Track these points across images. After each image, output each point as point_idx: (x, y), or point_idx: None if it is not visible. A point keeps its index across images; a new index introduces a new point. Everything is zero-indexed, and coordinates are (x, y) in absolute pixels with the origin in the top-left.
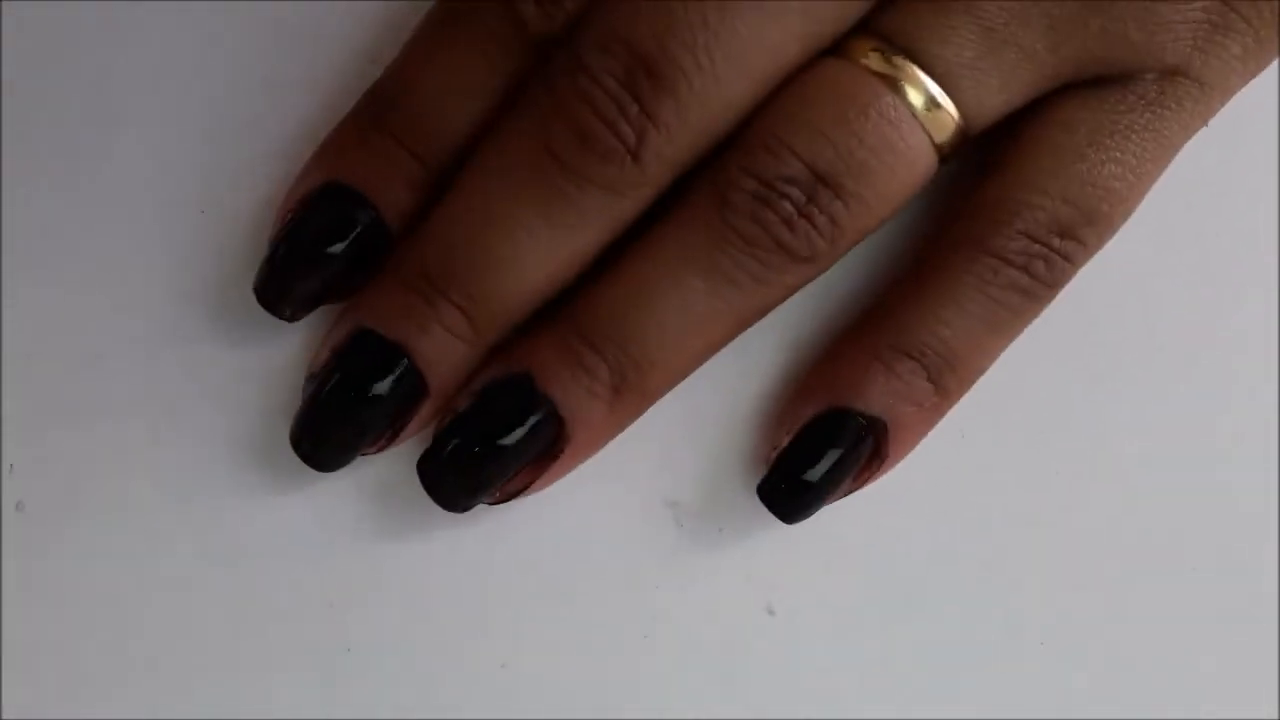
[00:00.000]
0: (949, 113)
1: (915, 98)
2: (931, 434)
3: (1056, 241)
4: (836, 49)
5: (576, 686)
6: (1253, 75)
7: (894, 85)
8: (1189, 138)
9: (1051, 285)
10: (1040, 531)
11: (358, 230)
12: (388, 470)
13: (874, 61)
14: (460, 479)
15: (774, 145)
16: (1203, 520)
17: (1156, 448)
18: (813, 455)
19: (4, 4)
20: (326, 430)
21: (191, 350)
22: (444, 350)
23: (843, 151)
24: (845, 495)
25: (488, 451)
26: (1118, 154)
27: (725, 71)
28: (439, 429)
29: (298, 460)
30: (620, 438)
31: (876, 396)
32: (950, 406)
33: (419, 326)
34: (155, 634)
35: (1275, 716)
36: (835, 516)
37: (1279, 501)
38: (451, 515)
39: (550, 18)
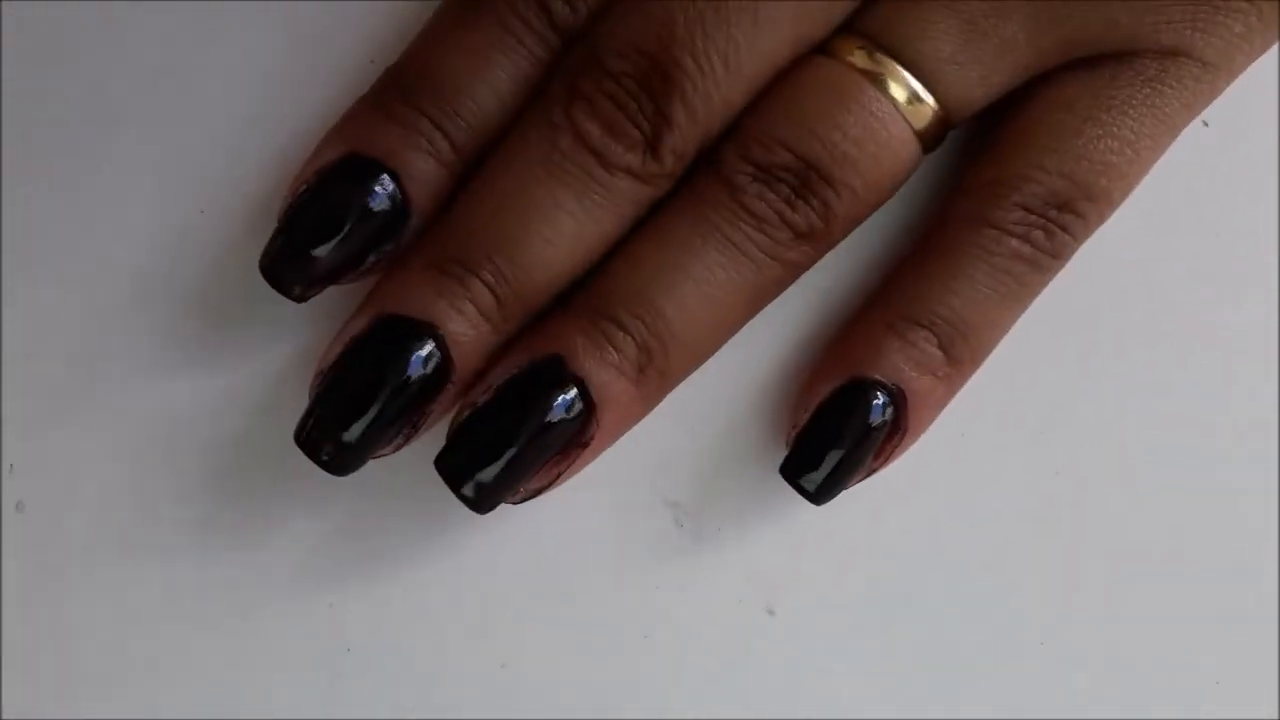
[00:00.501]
0: (930, 105)
1: (897, 92)
2: (931, 434)
3: (1054, 214)
4: (824, 48)
5: (576, 686)
6: (1260, 52)
7: (877, 81)
8: (1194, 116)
9: (1054, 255)
10: (1040, 532)
11: (378, 202)
12: (388, 470)
13: (858, 59)
14: (490, 474)
15: (766, 140)
16: (1203, 520)
17: (1157, 448)
18: (834, 430)
19: (4, 4)
20: (342, 426)
21: (191, 350)
22: (473, 331)
23: (828, 145)
24: (867, 475)
25: (518, 442)
26: (1115, 129)
27: (724, 75)
28: (457, 424)
29: (299, 460)
30: (620, 438)
31: (892, 365)
32: (963, 380)
33: (450, 304)
34: (155, 634)
35: (1275, 717)
36: (835, 516)
37: (1279, 501)
38: (450, 515)
39: (576, 13)
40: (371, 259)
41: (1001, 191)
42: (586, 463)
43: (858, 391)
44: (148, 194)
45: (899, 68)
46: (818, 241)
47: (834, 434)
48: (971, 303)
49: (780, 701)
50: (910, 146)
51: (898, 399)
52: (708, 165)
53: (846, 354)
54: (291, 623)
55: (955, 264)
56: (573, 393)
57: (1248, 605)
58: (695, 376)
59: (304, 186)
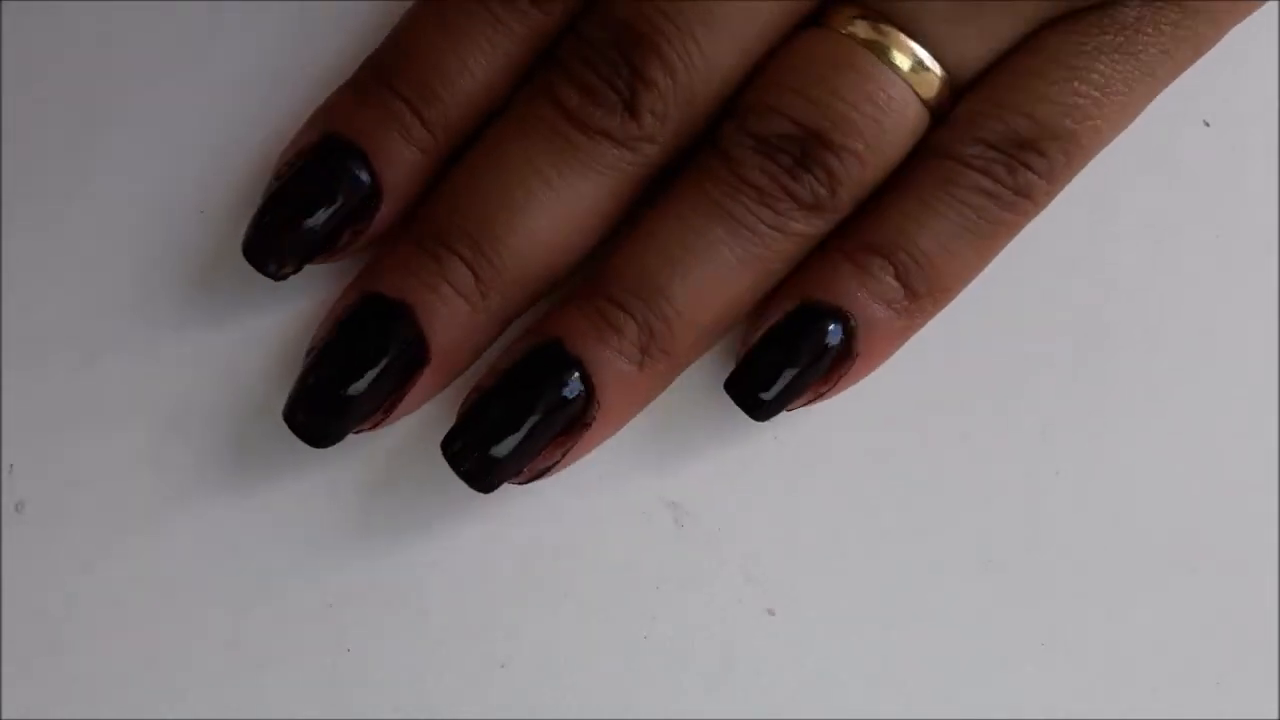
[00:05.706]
0: (929, 67)
1: (899, 57)
2: (935, 436)
3: (1017, 151)
4: (821, 20)
5: (576, 686)
6: (1246, 9)
7: (872, 45)
8: (1178, 63)
9: (1020, 193)
10: (1040, 532)
11: (350, 182)
12: (389, 469)
13: (856, 28)
14: (490, 453)
15: (762, 110)
16: (1203, 519)
17: (1157, 448)
18: (782, 349)
19: (4, 4)
20: (322, 398)
21: (191, 350)
22: (448, 310)
23: (824, 108)
24: (815, 399)
25: (519, 423)
26: (1083, 74)
27: (703, 34)
28: (465, 405)
29: (299, 460)
30: (620, 438)
31: (844, 289)
32: (924, 315)
33: (423, 283)
34: (155, 634)
35: (1275, 717)
36: (836, 517)
37: (1279, 501)
38: (450, 514)
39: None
40: (346, 239)
41: (964, 127)
42: (594, 442)
43: (809, 314)
44: (148, 194)
45: (898, 33)
46: (826, 212)
47: (782, 353)
48: (931, 234)
49: (780, 701)
50: (912, 106)
51: (849, 324)
52: (709, 143)
53: (802, 279)
54: (291, 623)
55: (915, 195)
56: (572, 374)
57: (1248, 605)
58: (695, 378)
59: (283, 169)
